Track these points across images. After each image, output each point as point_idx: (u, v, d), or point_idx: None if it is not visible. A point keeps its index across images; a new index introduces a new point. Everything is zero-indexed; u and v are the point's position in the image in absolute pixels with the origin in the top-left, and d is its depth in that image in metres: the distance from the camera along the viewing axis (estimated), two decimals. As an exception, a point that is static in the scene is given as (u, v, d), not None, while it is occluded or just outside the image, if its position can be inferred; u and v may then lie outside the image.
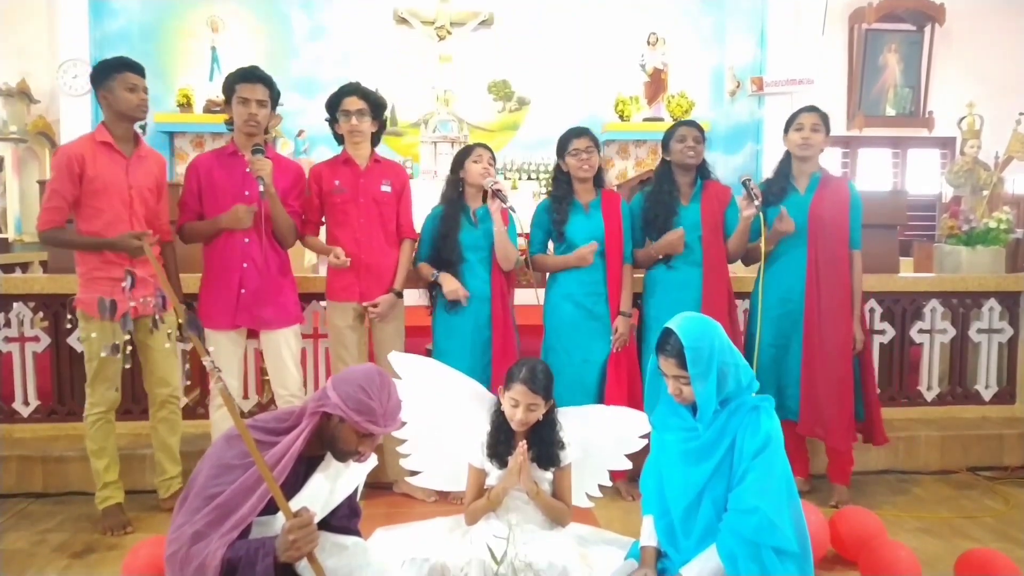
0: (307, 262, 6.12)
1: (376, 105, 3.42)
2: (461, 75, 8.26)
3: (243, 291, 3.22)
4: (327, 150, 7.46)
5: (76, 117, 7.64)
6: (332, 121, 3.44)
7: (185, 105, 7.96)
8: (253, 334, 3.43)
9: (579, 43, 8.49)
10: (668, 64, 8.23)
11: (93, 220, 3.05)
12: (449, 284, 3.38)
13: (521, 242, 3.63)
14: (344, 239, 3.38)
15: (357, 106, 3.34)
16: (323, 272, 3.73)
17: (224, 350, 3.23)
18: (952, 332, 4.25)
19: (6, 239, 7.14)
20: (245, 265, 3.22)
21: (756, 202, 3.26)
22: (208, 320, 3.20)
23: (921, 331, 4.22)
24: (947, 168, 5.86)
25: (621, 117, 8.30)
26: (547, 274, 3.60)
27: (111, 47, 7.78)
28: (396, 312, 3.50)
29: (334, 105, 3.40)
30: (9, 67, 7.59)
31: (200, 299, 3.31)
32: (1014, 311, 4.29)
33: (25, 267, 6.41)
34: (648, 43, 8.21)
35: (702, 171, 3.53)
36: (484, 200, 3.46)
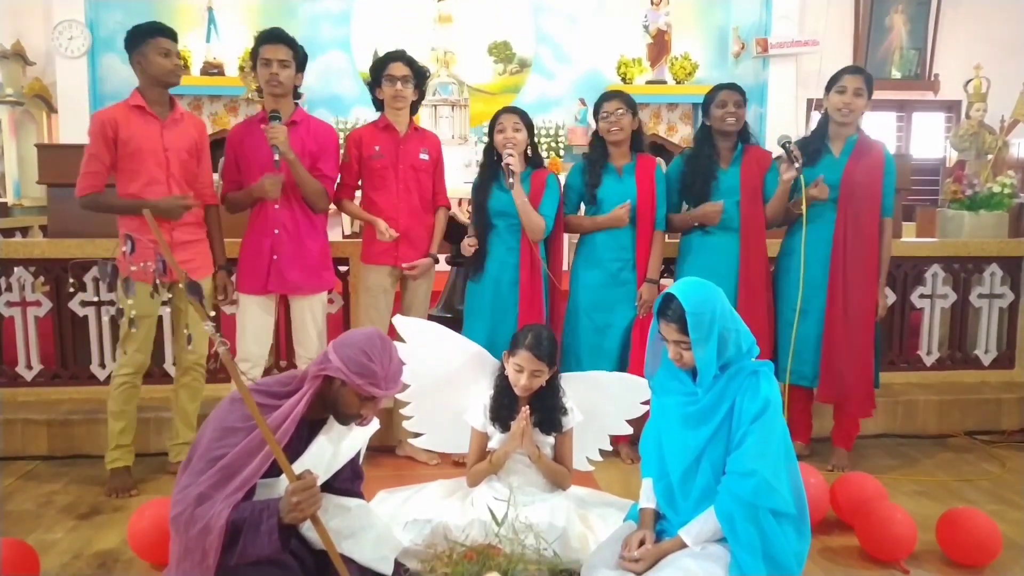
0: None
1: (419, 73, 3.42)
2: (461, 36, 8.14)
3: (275, 257, 3.25)
4: (326, 112, 7.39)
5: (73, 79, 7.53)
6: (374, 86, 3.44)
7: (182, 67, 7.87)
8: (284, 297, 3.46)
9: (581, 3, 8.35)
10: (671, 25, 8.10)
11: (131, 182, 3.09)
12: (465, 241, 3.41)
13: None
14: (382, 204, 3.40)
15: (402, 72, 3.34)
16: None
17: (255, 314, 3.30)
18: (953, 297, 4.25)
19: (5, 203, 7.11)
20: (276, 231, 3.25)
21: (796, 164, 3.20)
22: (242, 284, 3.29)
23: (922, 296, 4.22)
24: (952, 132, 5.80)
25: (624, 80, 8.19)
26: (578, 237, 3.59)
27: (106, 8, 7.67)
28: (429, 275, 3.56)
29: (378, 70, 3.39)
30: (3, 28, 7.47)
31: (239, 264, 3.34)
32: (1016, 276, 4.28)
33: (25, 231, 6.38)
34: (652, 3, 8.07)
35: (743, 135, 3.49)
36: (528, 165, 3.43)
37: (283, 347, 3.90)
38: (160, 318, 3.37)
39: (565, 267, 3.60)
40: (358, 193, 3.54)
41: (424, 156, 3.45)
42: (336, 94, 7.89)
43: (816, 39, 7.91)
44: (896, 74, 8.39)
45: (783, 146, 3.25)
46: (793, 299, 3.36)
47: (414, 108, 3.50)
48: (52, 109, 7.63)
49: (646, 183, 3.43)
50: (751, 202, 3.42)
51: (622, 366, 3.38)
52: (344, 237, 6.22)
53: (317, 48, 7.92)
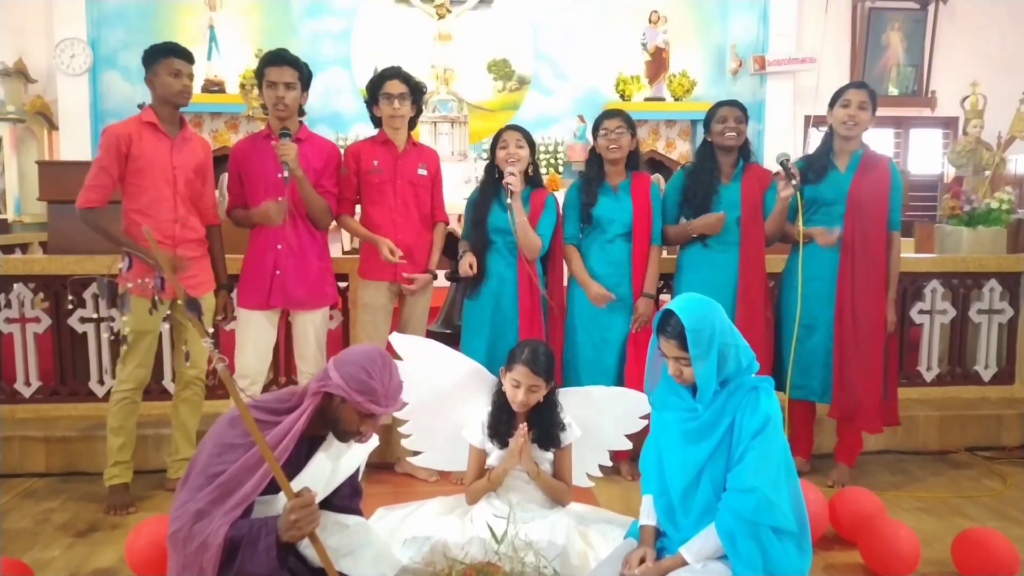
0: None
1: (416, 90, 3.43)
2: (461, 54, 8.19)
3: (277, 272, 3.26)
4: (326, 129, 7.42)
5: (74, 97, 7.58)
6: (371, 103, 3.45)
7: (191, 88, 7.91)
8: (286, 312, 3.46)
9: (580, 21, 8.41)
10: (670, 43, 8.16)
11: (137, 198, 3.10)
12: (463, 261, 3.39)
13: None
14: (381, 219, 3.40)
15: (399, 90, 3.35)
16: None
17: (256, 329, 3.30)
18: (952, 312, 4.25)
19: (5, 220, 7.12)
20: (279, 247, 3.26)
21: (794, 182, 3.20)
22: (244, 299, 3.30)
23: (921, 311, 4.22)
24: (949, 148, 5.81)
25: (622, 97, 8.24)
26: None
27: (108, 26, 7.72)
28: (427, 291, 3.55)
29: (376, 87, 3.40)
30: (6, 46, 7.52)
31: (240, 279, 3.35)
32: (1015, 292, 4.28)
33: (25, 248, 6.39)
34: (650, 21, 8.14)
35: (744, 152, 3.50)
36: (526, 184, 3.44)
37: (283, 363, 3.90)
38: (160, 334, 3.37)
39: (565, 283, 3.60)
40: (359, 208, 3.55)
41: (422, 171, 3.46)
42: (336, 111, 7.91)
43: (813, 56, 7.98)
44: (893, 91, 8.44)
45: (781, 163, 3.26)
46: (793, 312, 3.35)
47: (412, 124, 3.51)
48: (53, 126, 7.67)
49: (642, 200, 3.44)
50: (751, 218, 3.43)
51: (620, 382, 3.38)
52: (344, 253, 6.23)
53: (318, 65, 7.90)
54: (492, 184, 3.43)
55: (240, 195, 3.34)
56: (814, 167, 3.39)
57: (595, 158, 3.51)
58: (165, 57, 3.12)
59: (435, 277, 3.54)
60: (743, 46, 8.28)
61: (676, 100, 8.25)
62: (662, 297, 3.68)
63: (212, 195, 3.37)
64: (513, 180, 3.27)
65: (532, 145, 3.42)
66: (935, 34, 8.31)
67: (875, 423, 3.39)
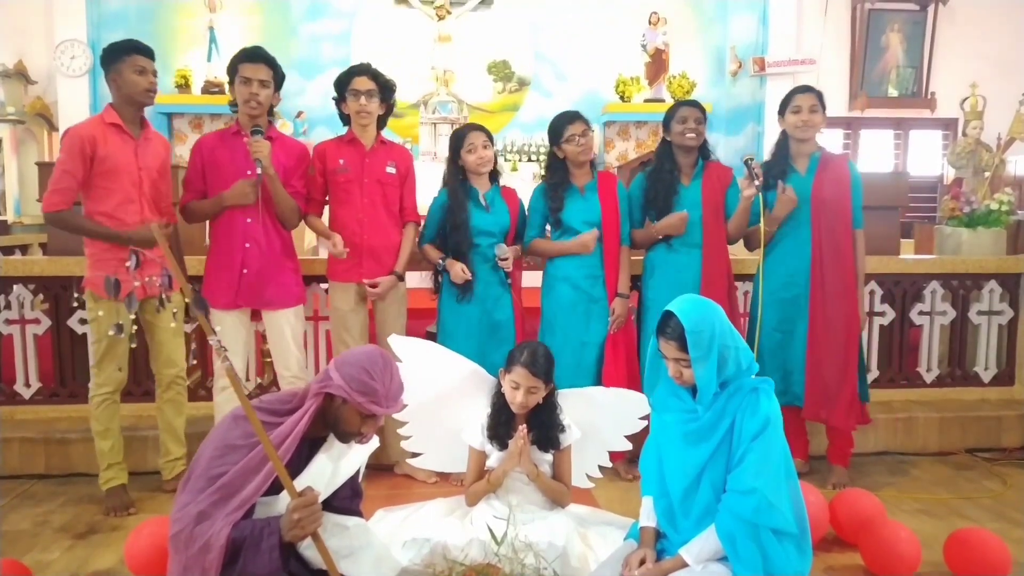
0: (307, 244, 6.11)
1: (385, 87, 3.40)
2: (461, 55, 8.20)
3: (245, 271, 3.21)
4: (326, 131, 7.42)
5: (74, 98, 7.59)
6: (340, 100, 3.42)
7: (183, 86, 7.90)
8: (258, 315, 3.43)
9: (579, 22, 8.42)
10: (669, 44, 8.17)
11: (103, 201, 3.04)
12: (454, 269, 3.36)
13: None
14: (347, 219, 3.37)
15: (367, 86, 3.32)
16: (323, 254, 3.72)
17: (227, 330, 3.24)
18: (952, 314, 4.25)
19: (5, 221, 7.12)
20: (247, 245, 3.21)
21: (756, 182, 3.24)
22: (211, 300, 3.20)
23: (921, 313, 4.22)
24: (949, 149, 5.81)
25: (622, 98, 8.25)
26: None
27: (108, 27, 7.73)
28: (398, 294, 3.49)
29: (343, 84, 3.37)
30: (6, 48, 7.53)
31: (205, 279, 3.31)
32: (1014, 293, 4.29)
33: (25, 249, 6.39)
34: (650, 23, 8.15)
35: (703, 151, 3.52)
36: (492, 181, 3.47)
37: (258, 364, 3.91)
38: (134, 334, 3.32)
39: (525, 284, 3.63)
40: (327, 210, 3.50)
41: (391, 170, 3.41)
42: (336, 113, 7.93)
43: (813, 58, 7.97)
44: (893, 92, 8.44)
45: (745, 163, 3.28)
46: (771, 319, 3.40)
47: (382, 122, 3.48)
48: (53, 128, 7.67)
49: (609, 200, 3.44)
50: (713, 217, 3.45)
51: (599, 383, 3.37)
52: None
53: (317, 67, 7.99)
54: (461, 185, 3.42)
55: (199, 190, 3.26)
56: (773, 172, 3.41)
57: (558, 163, 3.49)
58: (128, 55, 3.05)
59: (402, 279, 3.48)
60: (743, 47, 8.28)
61: (676, 101, 8.24)
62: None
63: (171, 195, 3.31)
64: (506, 264, 3.36)
65: (493, 141, 3.45)
66: (935, 35, 8.31)
67: (847, 420, 3.40)
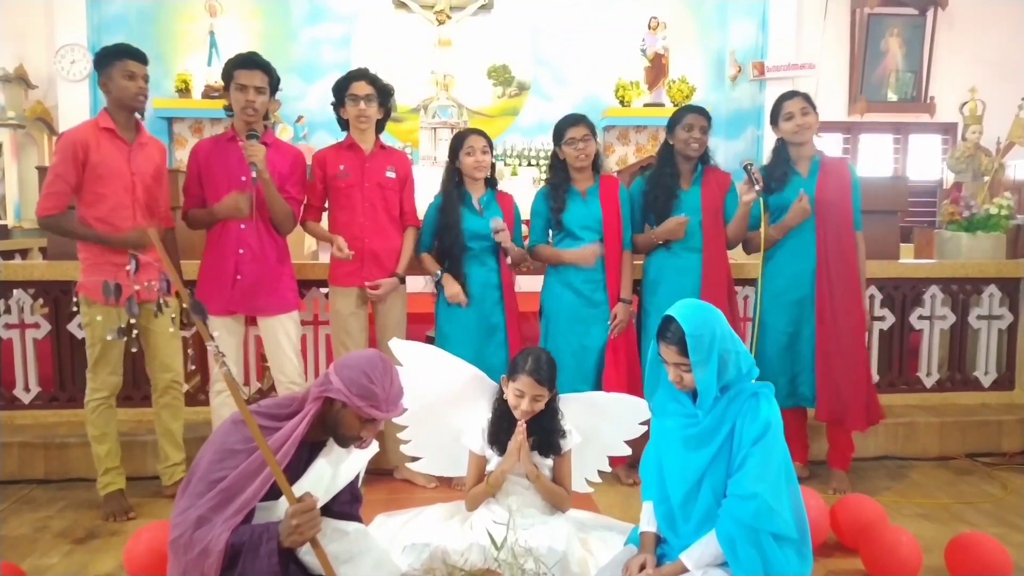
0: (307, 248, 6.11)
1: (383, 92, 3.40)
2: (461, 60, 8.22)
3: (238, 277, 3.21)
4: (327, 136, 7.44)
5: (74, 103, 7.61)
6: (338, 105, 3.42)
7: (183, 90, 7.93)
8: (254, 320, 3.42)
9: (579, 27, 8.44)
10: (669, 49, 8.19)
11: (96, 206, 3.03)
12: (451, 288, 3.36)
13: (524, 229, 3.64)
14: (347, 224, 3.37)
15: (365, 91, 3.33)
16: (324, 259, 3.72)
17: (221, 336, 3.22)
18: (952, 318, 4.25)
19: (5, 225, 7.13)
20: (241, 251, 3.20)
21: (756, 187, 3.25)
22: (204, 305, 3.19)
23: (921, 317, 4.22)
24: (948, 154, 5.83)
25: (622, 102, 8.27)
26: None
27: (109, 32, 7.75)
28: (399, 298, 3.50)
29: (341, 89, 3.38)
30: (6, 52, 7.55)
31: (198, 284, 3.30)
32: (1014, 297, 4.28)
33: (25, 253, 6.40)
34: (649, 27, 8.17)
35: (703, 156, 3.51)
36: (487, 187, 3.47)
37: (258, 369, 3.90)
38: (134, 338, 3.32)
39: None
40: (326, 215, 3.50)
41: (391, 174, 3.42)
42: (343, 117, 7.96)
43: (812, 62, 8.00)
44: (892, 97, 8.46)
45: (744, 168, 3.29)
46: (778, 322, 3.40)
47: (380, 126, 3.49)
48: (53, 132, 7.68)
49: (611, 204, 3.44)
50: (713, 222, 3.45)
51: (599, 387, 3.37)
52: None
53: (318, 71, 8.01)
54: (458, 188, 3.43)
55: (197, 196, 3.27)
56: (775, 176, 3.42)
57: (559, 164, 3.50)
58: (119, 59, 3.03)
59: (403, 282, 3.48)
60: (742, 52, 8.30)
61: (676, 106, 8.24)
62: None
63: (167, 199, 3.31)
64: (500, 237, 3.32)
65: (492, 148, 3.46)
66: (934, 40, 8.34)
67: (863, 421, 3.41)
